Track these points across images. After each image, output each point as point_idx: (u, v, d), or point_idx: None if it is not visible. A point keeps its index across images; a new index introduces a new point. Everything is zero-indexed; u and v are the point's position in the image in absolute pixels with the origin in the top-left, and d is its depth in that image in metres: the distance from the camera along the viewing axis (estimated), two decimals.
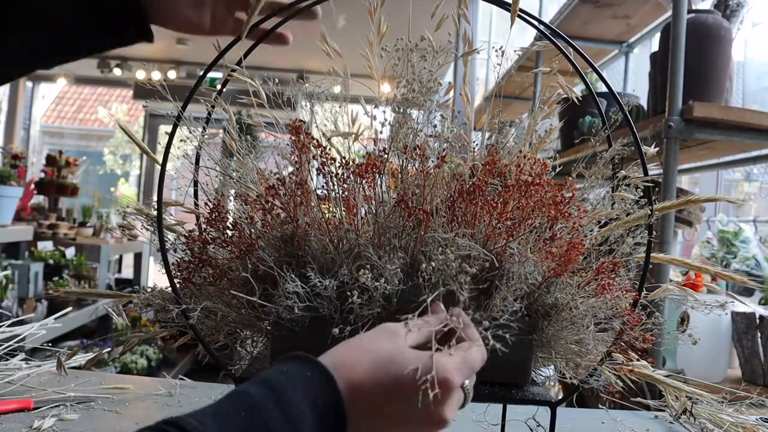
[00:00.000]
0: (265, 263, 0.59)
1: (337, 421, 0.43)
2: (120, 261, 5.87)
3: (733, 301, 0.77)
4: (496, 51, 0.65)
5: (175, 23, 0.62)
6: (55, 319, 1.12)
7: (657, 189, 0.67)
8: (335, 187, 0.61)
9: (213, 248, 0.65)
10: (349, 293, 0.55)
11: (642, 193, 0.66)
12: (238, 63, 0.67)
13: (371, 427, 0.46)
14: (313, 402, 0.43)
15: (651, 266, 0.66)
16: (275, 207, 0.62)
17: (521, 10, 0.65)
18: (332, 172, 0.61)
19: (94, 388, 0.97)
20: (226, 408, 0.41)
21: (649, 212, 0.66)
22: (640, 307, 0.66)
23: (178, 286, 0.66)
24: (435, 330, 0.49)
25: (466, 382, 0.49)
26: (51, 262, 3.71)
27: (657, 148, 0.68)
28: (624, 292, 0.64)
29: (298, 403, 0.42)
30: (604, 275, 0.63)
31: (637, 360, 0.69)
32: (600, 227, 0.68)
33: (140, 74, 6.41)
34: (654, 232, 0.65)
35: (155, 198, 0.65)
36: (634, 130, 0.65)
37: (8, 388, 0.93)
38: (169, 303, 0.65)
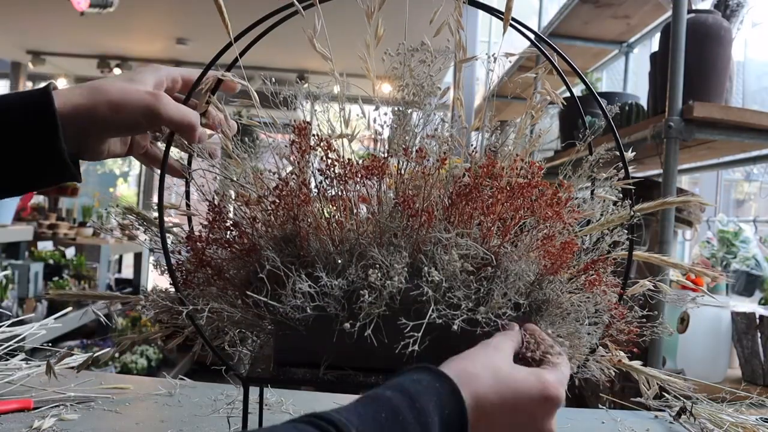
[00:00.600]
0: (269, 263, 0.59)
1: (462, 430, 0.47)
2: (120, 261, 5.87)
3: (703, 296, 0.80)
4: (489, 58, 0.66)
5: (98, 158, 0.66)
6: (55, 319, 1.12)
7: (634, 190, 0.69)
8: (338, 187, 0.62)
9: (213, 249, 0.65)
10: (361, 292, 0.56)
11: (626, 194, 0.68)
12: (232, 65, 0.67)
13: None
14: (441, 412, 0.46)
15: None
16: (279, 207, 0.62)
17: (513, 18, 0.66)
18: (336, 174, 0.61)
19: (94, 388, 0.97)
20: (369, 410, 0.44)
21: (631, 213, 0.67)
22: (624, 302, 0.68)
23: (179, 287, 0.66)
24: (532, 347, 0.55)
25: None
26: (51, 262, 3.71)
27: (634, 153, 0.69)
28: (609, 288, 0.66)
29: (430, 411, 0.45)
30: (591, 272, 0.64)
31: (619, 351, 0.71)
32: (582, 226, 0.70)
33: None
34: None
35: (155, 198, 0.65)
36: (617, 135, 0.67)
37: (8, 388, 0.93)
38: (174, 304, 0.65)
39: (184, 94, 0.68)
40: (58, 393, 0.92)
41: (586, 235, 0.70)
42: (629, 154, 0.68)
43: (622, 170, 0.68)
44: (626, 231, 0.67)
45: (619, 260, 0.68)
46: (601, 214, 0.68)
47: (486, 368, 0.51)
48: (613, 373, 0.69)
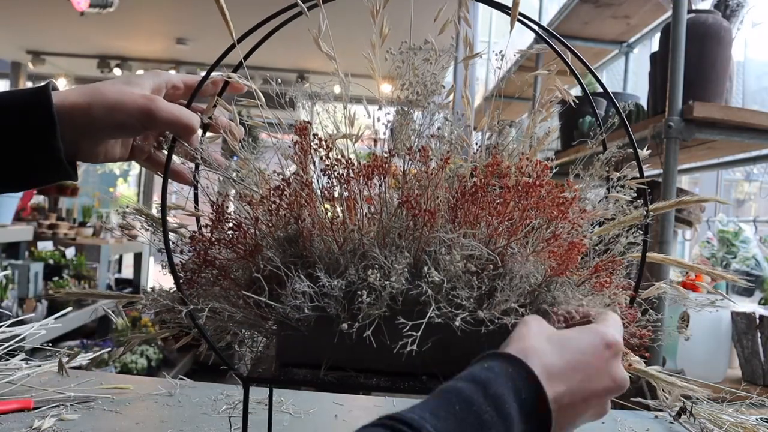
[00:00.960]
0: (272, 263, 0.59)
1: (542, 408, 0.46)
2: (120, 261, 5.88)
3: (722, 299, 0.77)
4: (497, 54, 0.65)
5: (95, 160, 0.67)
6: (55, 319, 1.12)
7: (650, 191, 0.67)
8: (340, 188, 0.62)
9: (217, 249, 0.65)
10: (359, 293, 0.56)
11: (638, 194, 0.67)
12: (238, 65, 0.67)
13: (568, 404, 0.49)
14: (517, 395, 0.45)
15: (650, 266, 0.66)
16: (281, 208, 0.62)
17: (521, 14, 0.65)
18: (338, 174, 0.61)
19: (94, 388, 0.97)
20: (441, 403, 0.43)
21: (645, 212, 0.66)
22: (637, 305, 0.67)
23: (180, 286, 0.66)
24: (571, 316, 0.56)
25: None
26: (51, 262, 3.71)
27: (650, 151, 0.68)
28: (620, 290, 0.64)
29: (506, 397, 0.45)
30: (601, 273, 0.63)
31: (633, 355, 0.70)
32: (599, 226, 0.68)
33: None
34: (653, 231, 0.65)
35: (155, 198, 0.65)
36: (630, 132, 0.66)
37: (8, 388, 0.93)
38: (176, 304, 0.65)
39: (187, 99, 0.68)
40: (58, 393, 0.92)
41: (596, 236, 0.69)
42: (644, 152, 0.66)
43: (623, 170, 0.67)
44: (640, 232, 0.66)
45: (625, 261, 0.67)
46: (613, 216, 0.67)
47: (540, 339, 0.51)
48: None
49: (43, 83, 0.59)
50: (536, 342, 0.50)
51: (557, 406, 0.47)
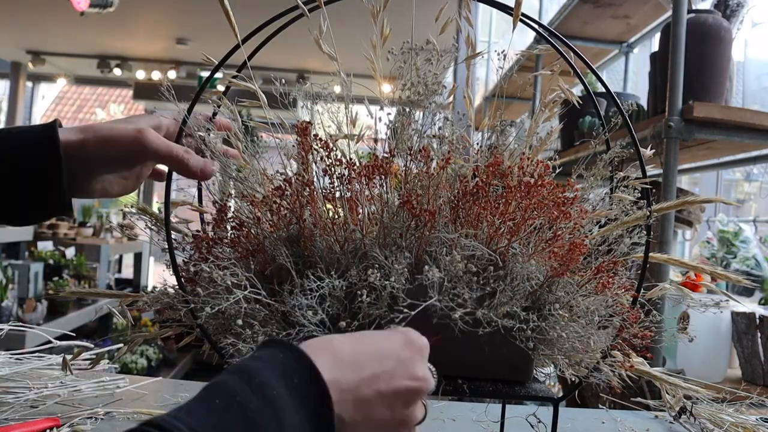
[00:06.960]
0: (274, 263, 0.59)
1: (318, 391, 0.43)
2: (120, 261, 5.88)
3: (727, 300, 0.76)
4: (498, 54, 0.65)
5: (92, 195, 0.67)
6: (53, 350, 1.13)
7: (654, 190, 0.67)
8: (341, 187, 0.62)
9: (219, 248, 0.65)
10: (359, 293, 0.56)
11: (640, 194, 0.66)
12: (242, 66, 0.67)
13: (362, 398, 0.46)
14: (289, 380, 0.42)
15: (650, 266, 0.66)
16: (282, 208, 0.62)
17: (522, 14, 0.65)
18: (339, 174, 0.61)
19: (95, 390, 0.97)
20: (202, 400, 0.41)
21: (648, 213, 0.66)
22: (639, 306, 0.66)
23: (183, 285, 0.66)
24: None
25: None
26: (51, 262, 3.71)
27: (653, 150, 0.68)
28: (623, 290, 0.64)
29: (273, 383, 0.42)
30: (603, 274, 0.63)
31: (636, 356, 0.69)
32: (599, 227, 0.68)
33: (140, 74, 6.42)
34: (653, 232, 0.65)
35: (156, 198, 0.65)
36: (633, 133, 0.65)
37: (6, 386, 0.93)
38: (177, 302, 0.65)
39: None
40: (57, 392, 0.92)
41: (599, 237, 0.68)
42: (648, 152, 0.66)
43: (626, 170, 0.67)
44: (643, 233, 0.65)
45: (629, 262, 0.67)
46: (615, 216, 0.67)
47: (336, 335, 0.49)
48: (626, 378, 0.67)
49: (49, 122, 0.61)
50: (330, 336, 0.48)
51: (344, 396, 0.44)
